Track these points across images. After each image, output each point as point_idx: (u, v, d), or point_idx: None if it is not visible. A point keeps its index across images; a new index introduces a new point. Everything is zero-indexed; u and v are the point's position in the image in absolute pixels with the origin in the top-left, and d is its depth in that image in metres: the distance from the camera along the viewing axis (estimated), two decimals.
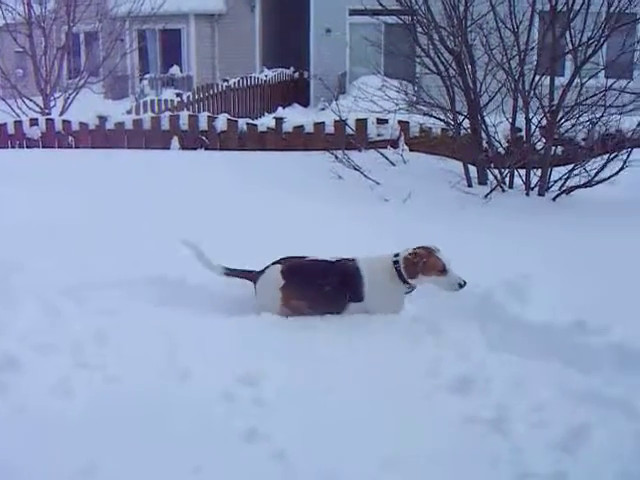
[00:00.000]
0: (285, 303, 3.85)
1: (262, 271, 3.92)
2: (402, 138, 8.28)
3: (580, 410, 3.09)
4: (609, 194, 6.59)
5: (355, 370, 3.38)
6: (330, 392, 3.19)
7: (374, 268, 3.90)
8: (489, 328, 3.87)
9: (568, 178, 6.56)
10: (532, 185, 6.58)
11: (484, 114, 6.84)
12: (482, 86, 6.76)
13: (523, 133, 6.89)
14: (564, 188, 6.49)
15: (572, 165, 6.66)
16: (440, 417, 3.08)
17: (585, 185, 6.56)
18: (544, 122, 6.69)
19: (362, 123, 8.80)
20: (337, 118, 8.44)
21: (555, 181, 6.63)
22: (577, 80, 6.62)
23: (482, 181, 6.71)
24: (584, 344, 3.65)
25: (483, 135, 6.83)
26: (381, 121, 8.74)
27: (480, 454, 2.84)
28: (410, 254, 3.80)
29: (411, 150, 8.00)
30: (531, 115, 6.68)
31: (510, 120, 6.84)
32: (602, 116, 6.69)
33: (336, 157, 6.60)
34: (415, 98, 7.49)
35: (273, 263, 3.92)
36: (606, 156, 6.59)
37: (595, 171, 6.55)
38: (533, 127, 6.75)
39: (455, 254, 4.18)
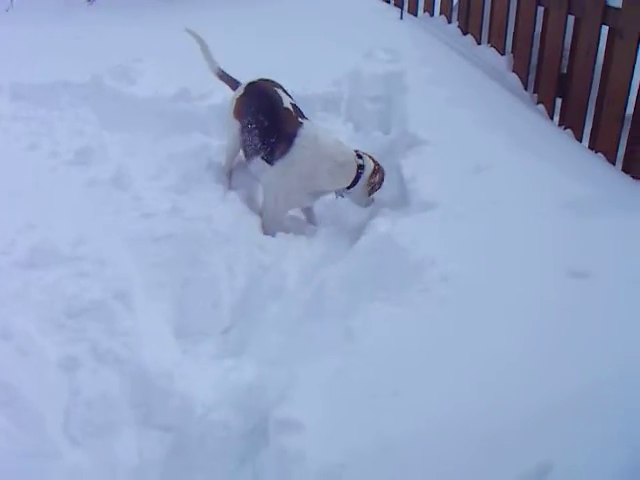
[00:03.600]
0: (235, 114, 3.65)
1: (239, 83, 3.78)
2: None
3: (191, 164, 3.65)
4: None
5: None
6: None
7: (319, 143, 3.35)
8: (101, 108, 4.24)
9: None
10: None
11: None
12: None
13: None
14: None
15: None
16: (66, 185, 3.43)
17: None
18: None
19: None
20: None
21: None
22: None
23: None
24: (188, 108, 4.22)
25: None
26: None
27: (105, 206, 3.26)
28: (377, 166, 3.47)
29: None
30: None
31: None
32: None
33: None
34: None
35: (259, 80, 3.70)
36: None
37: None
38: None
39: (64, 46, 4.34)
